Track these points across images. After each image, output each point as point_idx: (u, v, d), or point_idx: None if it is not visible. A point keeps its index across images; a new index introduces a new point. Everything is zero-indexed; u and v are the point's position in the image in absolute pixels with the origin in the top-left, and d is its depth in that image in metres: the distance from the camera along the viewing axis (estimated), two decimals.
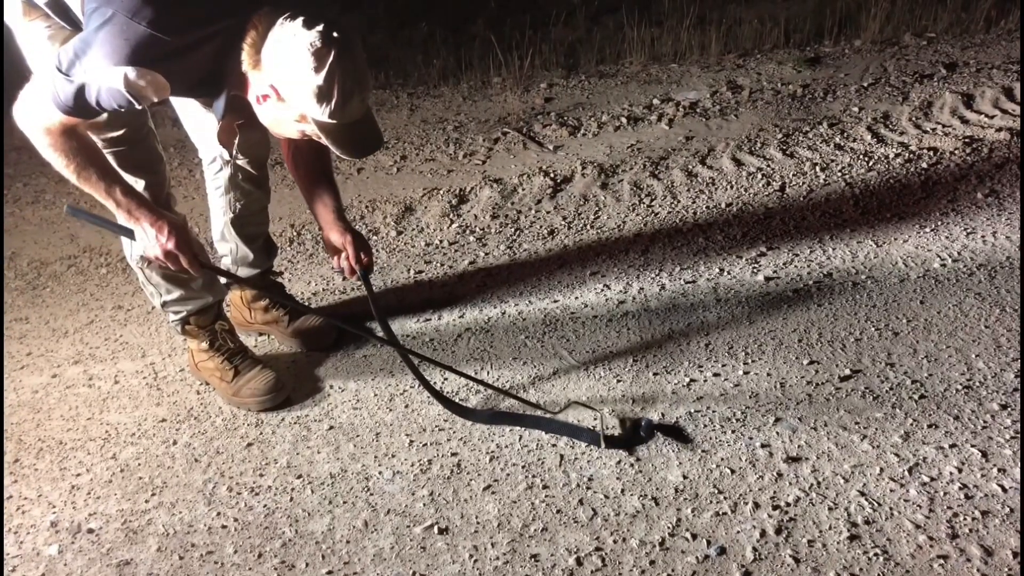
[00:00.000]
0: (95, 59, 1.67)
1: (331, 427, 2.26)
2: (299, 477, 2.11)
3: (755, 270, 2.71)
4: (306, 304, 2.70)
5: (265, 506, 2.03)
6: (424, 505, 1.99)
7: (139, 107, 1.74)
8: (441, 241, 3.09)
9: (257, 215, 2.45)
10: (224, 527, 1.99)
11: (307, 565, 1.87)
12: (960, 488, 1.88)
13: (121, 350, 2.66)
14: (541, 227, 3.09)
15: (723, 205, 3.09)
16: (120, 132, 1.98)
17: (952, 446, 1.99)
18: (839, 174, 3.21)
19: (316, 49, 1.67)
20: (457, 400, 2.28)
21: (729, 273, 2.71)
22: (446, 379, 2.38)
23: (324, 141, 1.78)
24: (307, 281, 2.92)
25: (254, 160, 2.34)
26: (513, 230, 3.10)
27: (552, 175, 3.39)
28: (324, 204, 2.17)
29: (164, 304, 2.27)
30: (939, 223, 2.85)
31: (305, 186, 2.19)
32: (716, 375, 2.29)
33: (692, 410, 2.18)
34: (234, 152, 2.26)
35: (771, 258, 2.76)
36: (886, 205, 3.00)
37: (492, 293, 2.75)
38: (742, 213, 3.03)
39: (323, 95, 1.69)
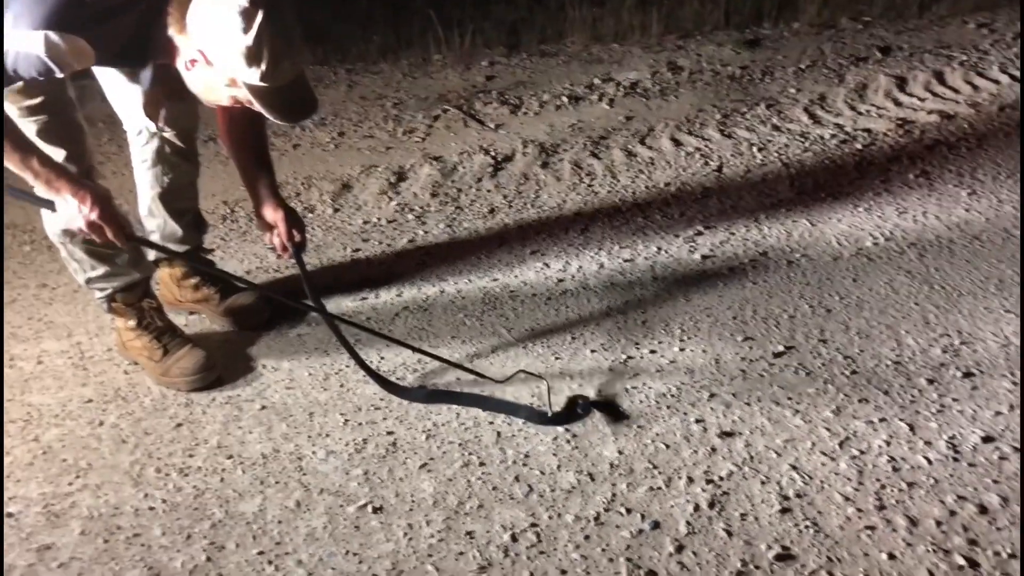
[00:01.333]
0: (12, 23, 1.59)
1: (263, 407, 2.22)
2: (230, 458, 2.06)
3: (692, 249, 2.73)
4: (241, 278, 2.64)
5: (195, 487, 1.99)
6: (358, 484, 1.97)
7: (60, 75, 1.67)
8: (379, 219, 3.05)
9: (186, 189, 2.38)
10: (152, 509, 1.94)
11: (237, 546, 1.83)
12: (888, 461, 1.92)
13: (45, 330, 2.57)
14: (481, 205, 3.07)
15: (662, 185, 3.10)
16: (38, 100, 1.90)
17: (881, 420, 2.03)
18: (776, 154, 3.25)
19: (244, 9, 1.62)
20: (394, 380, 2.26)
21: (667, 252, 2.72)
22: (383, 358, 2.35)
23: (256, 106, 1.73)
24: (240, 259, 2.85)
25: (182, 132, 2.27)
26: (453, 208, 3.08)
27: (493, 153, 3.37)
28: (258, 180, 2.12)
29: (89, 281, 2.19)
30: (872, 203, 2.91)
31: (239, 161, 2.14)
32: (652, 352, 2.31)
33: (628, 386, 2.19)
34: (160, 124, 2.19)
35: (708, 237, 2.79)
36: (821, 185, 3.04)
37: (431, 271, 2.73)
38: (680, 193, 3.05)
39: (253, 56, 1.64)
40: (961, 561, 1.67)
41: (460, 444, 2.05)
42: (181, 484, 2.00)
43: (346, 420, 2.15)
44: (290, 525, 1.88)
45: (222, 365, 2.32)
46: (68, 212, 1.87)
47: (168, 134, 2.24)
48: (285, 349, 2.42)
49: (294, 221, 2.14)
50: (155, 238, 2.40)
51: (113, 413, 2.23)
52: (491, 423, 2.11)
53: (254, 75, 1.67)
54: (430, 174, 3.27)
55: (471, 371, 2.22)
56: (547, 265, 2.70)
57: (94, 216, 1.86)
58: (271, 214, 2.12)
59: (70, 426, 2.19)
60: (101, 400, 2.27)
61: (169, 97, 2.08)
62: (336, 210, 3.13)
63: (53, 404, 2.26)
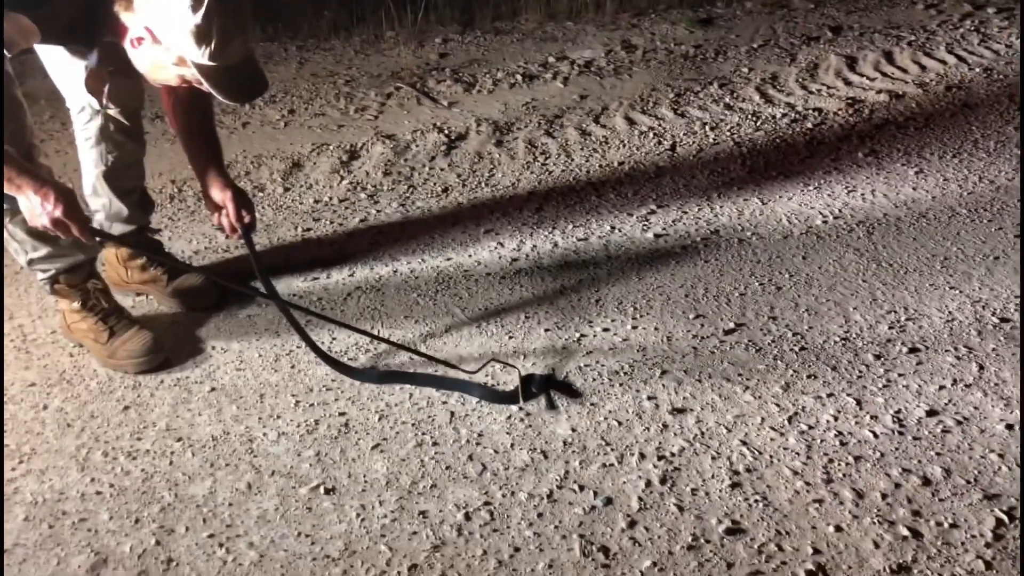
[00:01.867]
0: None
1: (213, 389, 2.19)
2: (179, 440, 2.03)
3: (645, 227, 2.74)
4: (187, 263, 2.59)
5: (143, 470, 1.96)
6: (310, 466, 1.95)
7: (7, 54, 1.62)
8: (331, 198, 3.02)
9: (131, 168, 2.32)
10: (99, 493, 1.90)
11: (187, 529, 1.81)
12: (836, 435, 1.96)
13: None
14: (435, 184, 3.05)
15: (616, 164, 3.11)
16: None
17: (829, 395, 2.07)
18: (728, 133, 3.28)
19: None
20: (346, 361, 2.24)
21: (620, 230, 2.73)
22: (334, 339, 2.33)
23: (205, 86, 1.70)
24: (188, 239, 2.80)
25: (126, 110, 2.21)
26: (406, 187, 3.05)
27: (446, 132, 3.34)
28: (205, 159, 2.08)
29: (31, 262, 2.14)
30: (822, 181, 2.95)
31: (185, 140, 2.10)
32: (605, 330, 2.32)
33: (582, 364, 2.20)
34: (104, 101, 2.13)
35: (661, 216, 2.80)
36: (772, 164, 3.08)
37: (384, 251, 2.71)
38: (634, 172, 3.06)
39: (202, 36, 1.61)
40: (905, 532, 1.71)
41: (413, 424, 2.05)
42: (129, 468, 1.97)
43: (297, 401, 2.13)
44: (241, 507, 1.86)
45: (170, 347, 2.28)
46: (31, 210, 1.81)
47: (112, 111, 2.19)
48: (235, 330, 2.39)
49: (243, 201, 2.11)
50: (100, 217, 2.34)
51: (58, 397, 2.18)
52: (444, 403, 2.10)
53: (203, 55, 1.64)
54: (383, 152, 3.24)
55: (440, 361, 2.20)
56: (501, 244, 2.70)
57: (58, 213, 1.80)
58: (219, 194, 2.09)
59: (12, 410, 2.13)
60: (45, 384, 2.22)
61: (113, 74, 2.02)
62: (287, 189, 3.08)
63: None
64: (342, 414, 2.09)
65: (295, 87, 3.76)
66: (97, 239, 1.99)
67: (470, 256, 2.65)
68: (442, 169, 3.13)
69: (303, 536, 1.78)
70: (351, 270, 2.62)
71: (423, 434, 2.02)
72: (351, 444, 2.00)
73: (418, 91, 3.68)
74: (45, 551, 1.77)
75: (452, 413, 2.07)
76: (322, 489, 1.89)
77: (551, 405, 2.08)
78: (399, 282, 2.56)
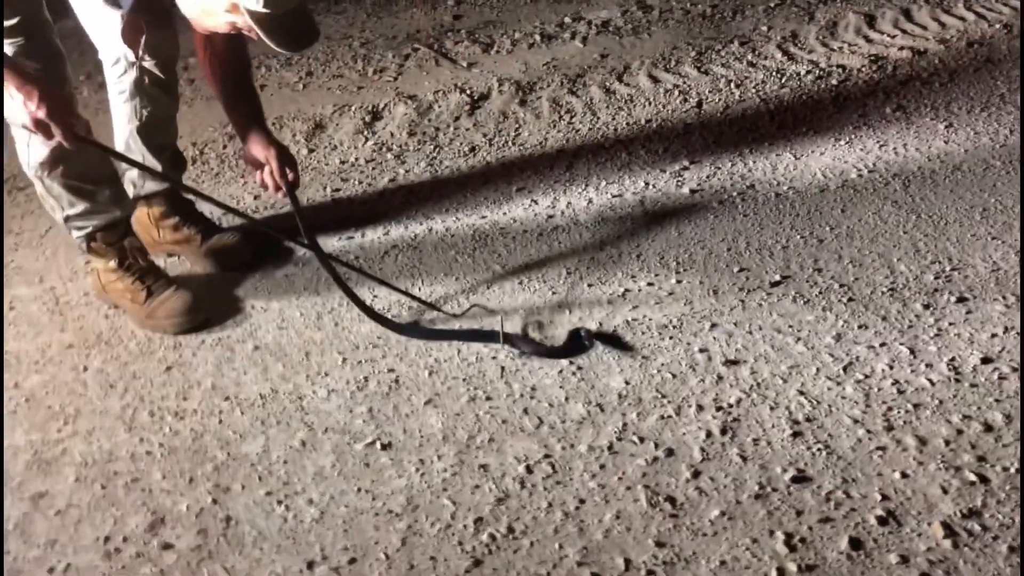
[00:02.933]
0: None
1: (256, 347, 2.13)
2: (226, 399, 1.98)
3: (679, 183, 2.69)
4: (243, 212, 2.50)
5: (192, 430, 1.91)
6: (364, 422, 1.91)
7: None
8: (357, 159, 2.95)
9: (165, 124, 2.25)
10: (149, 453, 1.86)
11: (243, 487, 1.76)
12: (892, 384, 1.92)
13: (15, 275, 2.43)
14: (461, 144, 2.99)
15: (643, 121, 3.05)
16: (14, 21, 1.76)
17: (882, 345, 2.03)
18: (753, 91, 3.22)
19: None
20: (390, 317, 2.19)
21: (654, 186, 2.68)
22: (376, 296, 2.27)
23: (257, 33, 1.63)
24: (221, 196, 2.72)
25: (162, 62, 2.14)
26: (432, 147, 2.98)
27: (468, 92, 3.27)
28: (244, 114, 2.01)
29: (67, 219, 2.07)
30: (852, 136, 2.90)
31: (223, 94, 2.03)
32: (650, 284, 2.27)
33: (629, 318, 2.16)
34: (140, 53, 2.05)
35: (694, 172, 2.75)
36: (801, 120, 3.02)
37: (416, 210, 2.65)
38: (662, 129, 3.00)
39: None
40: (972, 477, 1.69)
41: (464, 380, 2.00)
42: (177, 427, 1.92)
43: (344, 359, 2.08)
44: (297, 464, 1.81)
45: (209, 307, 2.23)
46: (13, 107, 1.74)
47: (148, 64, 2.11)
48: (273, 289, 2.33)
49: (286, 158, 2.04)
50: (132, 176, 2.27)
51: (97, 358, 2.12)
52: (494, 358, 2.06)
53: (257, 1, 1.57)
54: (405, 113, 3.17)
55: (424, 303, 2.18)
56: (535, 202, 2.64)
57: (41, 114, 1.72)
58: (261, 151, 2.02)
59: (52, 372, 2.08)
60: (83, 345, 2.16)
61: (150, 24, 1.94)
62: (311, 150, 3.01)
63: (32, 350, 2.15)
64: (391, 370, 2.04)
65: (310, 50, 3.67)
66: (83, 145, 1.89)
67: (505, 214, 2.59)
68: (467, 129, 3.07)
69: (363, 492, 1.74)
70: (385, 229, 2.56)
71: (475, 389, 1.97)
72: (403, 400, 1.96)
73: (436, 52, 3.60)
74: (100, 511, 1.73)
75: (503, 368, 2.03)
76: (378, 445, 1.84)
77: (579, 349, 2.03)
78: (435, 240, 2.50)
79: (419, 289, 2.30)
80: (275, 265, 2.40)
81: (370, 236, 2.52)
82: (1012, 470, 1.70)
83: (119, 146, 2.25)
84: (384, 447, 1.84)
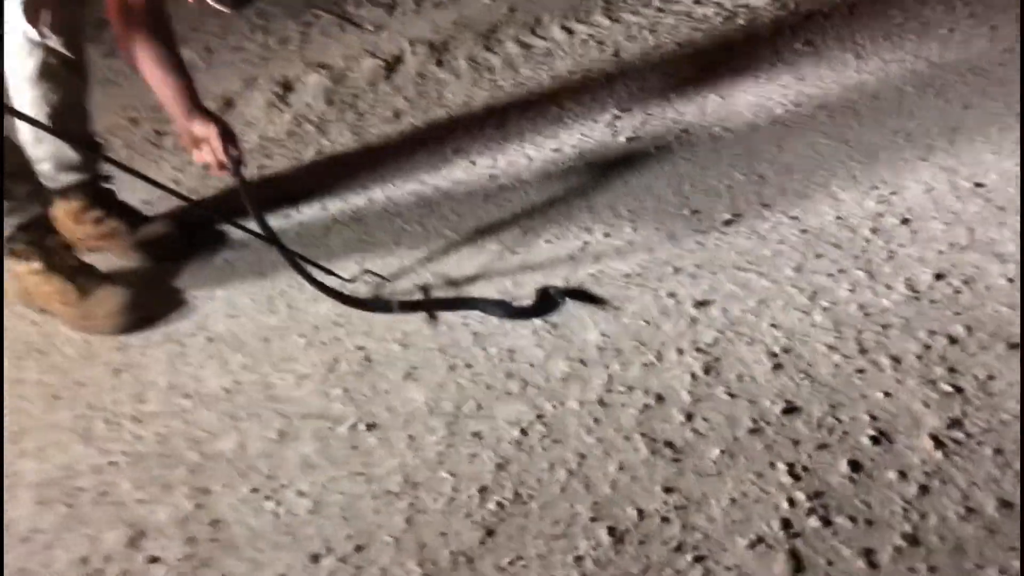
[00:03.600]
0: None
1: (210, 339, 2.00)
2: (187, 397, 1.85)
3: (614, 132, 2.67)
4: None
5: (156, 433, 1.78)
6: (342, 404, 1.82)
7: None
8: (276, 134, 2.79)
9: (78, 108, 2.06)
10: (113, 463, 1.72)
11: (225, 487, 1.66)
12: (858, 308, 1.96)
13: None
14: (384, 109, 2.87)
15: (565, 73, 3.01)
16: None
17: (840, 271, 2.07)
18: (667, 36, 3.22)
19: None
20: (348, 293, 2.09)
21: (590, 138, 2.65)
22: (328, 273, 2.16)
23: None
24: (141, 186, 2.52)
25: (70, 40, 1.94)
26: (354, 115, 2.86)
27: (381, 56, 3.15)
28: (175, 87, 1.86)
29: None
30: (770, 73, 2.94)
31: (149, 69, 1.86)
32: (607, 235, 2.25)
33: (593, 271, 2.13)
34: (44, 31, 1.86)
35: (626, 120, 2.73)
36: (719, 61, 3.04)
37: (351, 181, 2.53)
38: (585, 80, 2.97)
39: None
40: (948, 388, 1.74)
41: (439, 350, 1.93)
42: (139, 433, 1.78)
43: (307, 342, 1.97)
44: (278, 456, 1.71)
45: (149, 301, 2.07)
46: None
47: (53, 43, 1.91)
48: (215, 276, 2.19)
49: (227, 133, 1.90)
50: (46, 168, 2.07)
51: (32, 369, 1.95)
52: (465, 325, 1.99)
53: None
54: (319, 82, 3.02)
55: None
56: (473, 163, 2.57)
57: None
58: (200, 128, 1.87)
59: None
60: (13, 357, 1.98)
61: None
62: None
63: None
64: (360, 348, 1.95)
65: (203, 24, 3.44)
66: None
67: (445, 178, 2.51)
68: (387, 93, 2.95)
69: (356, 476, 1.66)
70: (322, 204, 2.44)
71: (452, 358, 1.91)
72: (379, 377, 1.87)
73: (339, 18, 3.44)
74: (71, 532, 1.59)
75: (475, 334, 1.97)
76: (362, 426, 1.76)
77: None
78: (378, 211, 2.40)
79: (371, 263, 2.20)
80: (212, 251, 2.25)
81: (308, 213, 2.40)
82: (983, 377, 1.77)
83: (25, 136, 2.04)
84: (369, 427, 1.76)
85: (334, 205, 2.42)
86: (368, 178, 2.53)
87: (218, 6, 1.59)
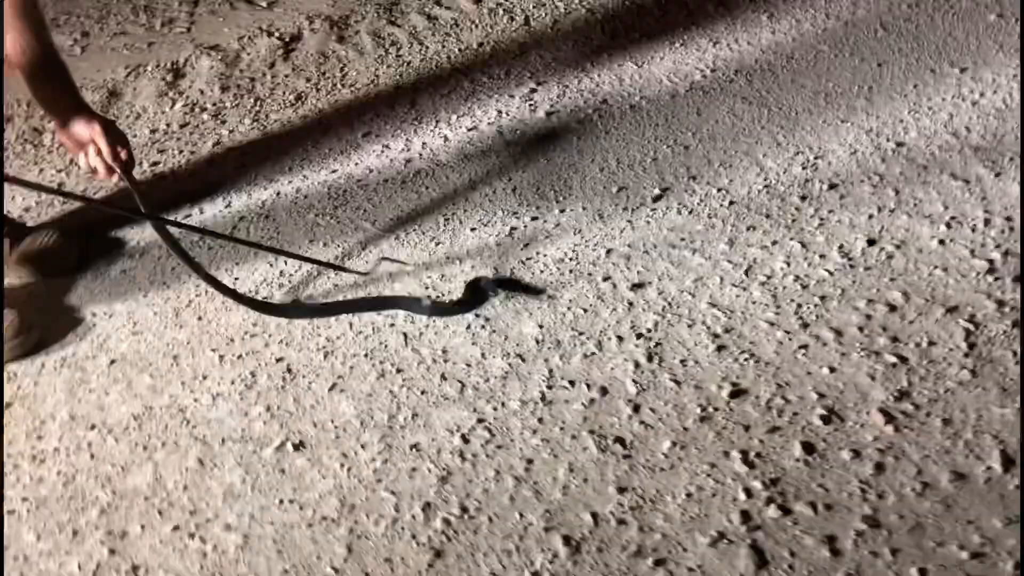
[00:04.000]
0: None
1: (112, 361, 1.82)
2: (92, 428, 1.68)
3: (532, 107, 2.55)
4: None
5: (60, 472, 1.61)
6: (264, 423, 1.68)
7: None
8: (169, 125, 2.57)
9: None
10: (12, 512, 1.54)
11: (143, 528, 1.51)
12: (795, 280, 1.92)
13: None
14: (284, 93, 2.68)
15: (475, 46, 2.86)
16: None
17: (774, 243, 2.02)
18: (578, 1, 3.11)
19: None
20: (260, 299, 1.93)
21: (508, 114, 2.52)
22: (237, 279, 2.00)
23: None
24: (10, 196, 2.29)
25: None
26: (252, 100, 2.66)
27: (277, 35, 2.94)
28: (55, 88, 1.66)
29: None
30: (685, 38, 2.86)
31: (24, 69, 1.66)
32: (534, 219, 2.14)
33: (523, 258, 2.02)
34: None
35: (543, 93, 2.61)
36: (631, 27, 2.95)
37: (254, 173, 2.35)
38: (496, 52, 2.83)
39: None
40: (892, 359, 1.71)
41: (366, 355, 1.80)
42: (40, 474, 1.61)
43: (221, 356, 1.82)
44: (200, 488, 1.57)
45: (41, 323, 1.87)
46: None
47: None
48: (112, 290, 2.00)
49: (115, 135, 1.71)
50: None
51: None
52: (392, 326, 1.87)
53: None
54: (212, 66, 2.80)
55: (334, 267, 1.97)
56: (387, 147, 2.41)
57: None
58: (83, 128, 1.68)
59: None
60: None
61: None
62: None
63: None
64: (279, 359, 1.80)
65: (77, 6, 3.16)
66: None
67: (357, 164, 2.35)
68: (286, 75, 2.76)
69: (287, 503, 1.53)
70: (226, 200, 2.25)
71: (381, 363, 1.78)
72: (303, 390, 1.74)
73: None
74: None
75: (405, 335, 1.84)
76: (289, 446, 1.63)
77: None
78: (287, 204, 2.23)
79: (283, 262, 2.04)
80: (107, 261, 2.05)
81: (210, 211, 2.21)
82: (924, 344, 1.74)
83: None
84: (296, 447, 1.62)
85: (239, 201, 2.24)
86: (273, 169, 2.35)
87: None
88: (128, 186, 1.80)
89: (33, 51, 1.70)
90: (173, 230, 1.88)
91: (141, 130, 2.56)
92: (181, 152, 2.45)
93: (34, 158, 2.46)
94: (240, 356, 1.81)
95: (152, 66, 2.80)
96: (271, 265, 2.03)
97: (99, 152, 1.71)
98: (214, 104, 2.65)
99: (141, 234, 2.11)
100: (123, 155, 1.74)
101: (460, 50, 2.85)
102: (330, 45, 2.89)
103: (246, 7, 3.14)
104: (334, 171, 2.33)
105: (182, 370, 1.78)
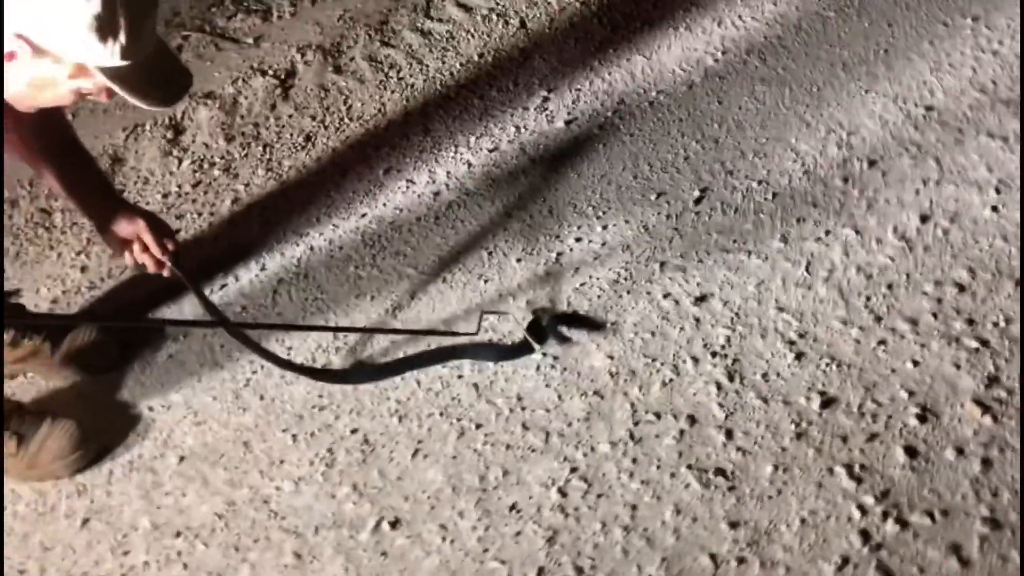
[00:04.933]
0: None
1: (182, 458, 1.75)
2: (178, 535, 1.61)
3: (550, 118, 2.46)
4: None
5: None
6: (354, 504, 1.61)
7: None
8: (180, 186, 2.47)
9: None
10: None
11: None
12: (857, 271, 1.86)
13: None
14: (292, 135, 2.57)
15: (476, 57, 2.76)
16: None
17: (827, 233, 1.96)
18: None
19: None
20: (320, 367, 1.86)
21: (526, 128, 2.43)
22: (290, 349, 1.92)
23: (120, 93, 1.23)
24: (34, 288, 2.19)
25: None
26: (261, 148, 2.55)
27: (271, 72, 2.82)
28: (89, 188, 1.58)
29: None
30: (688, 21, 2.76)
31: (55, 171, 1.57)
32: (578, 240, 2.06)
33: (576, 285, 1.95)
34: None
35: (557, 100, 2.52)
36: (629, 15, 2.84)
37: (283, 229, 2.25)
38: (499, 60, 2.73)
39: (105, 26, 1.14)
40: (974, 344, 1.67)
41: (441, 413, 1.74)
42: None
43: (294, 436, 1.75)
44: None
45: (99, 428, 1.79)
46: None
47: None
48: (164, 379, 1.91)
49: (159, 226, 1.63)
50: None
51: None
52: (460, 377, 1.80)
53: (111, 53, 1.16)
54: (212, 116, 2.68)
55: (440, 333, 1.87)
56: (411, 182, 2.32)
57: None
58: (126, 226, 1.59)
59: None
60: None
61: None
62: (120, 192, 2.49)
63: None
64: (354, 431, 1.73)
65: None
66: None
67: (385, 204, 2.26)
68: (290, 116, 2.65)
69: None
70: (259, 263, 2.16)
71: (459, 420, 1.72)
72: (385, 461, 1.67)
73: (211, 35, 3.07)
74: None
75: (475, 385, 1.78)
76: (385, 525, 1.57)
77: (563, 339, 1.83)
78: (323, 259, 2.14)
79: (333, 324, 1.96)
80: (152, 349, 1.96)
81: (246, 277, 2.12)
82: (1002, 323, 1.70)
83: None
84: (393, 525, 1.56)
85: (273, 262, 2.15)
86: (300, 222, 2.26)
87: (150, 107, 1.31)
88: (181, 279, 1.71)
89: (65, 154, 1.61)
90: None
91: (153, 196, 2.45)
92: (200, 215, 2.35)
93: (48, 242, 2.35)
94: (313, 433, 1.74)
95: (150, 124, 2.68)
96: (322, 325, 1.96)
97: (145, 249, 1.62)
98: (222, 157, 2.54)
99: (180, 314, 2.02)
100: (171, 247, 1.66)
101: (461, 64, 2.74)
102: (327, 76, 2.78)
103: (232, 46, 3.01)
104: (363, 215, 2.24)
105: (256, 457, 1.71)
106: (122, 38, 1.18)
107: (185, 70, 1.39)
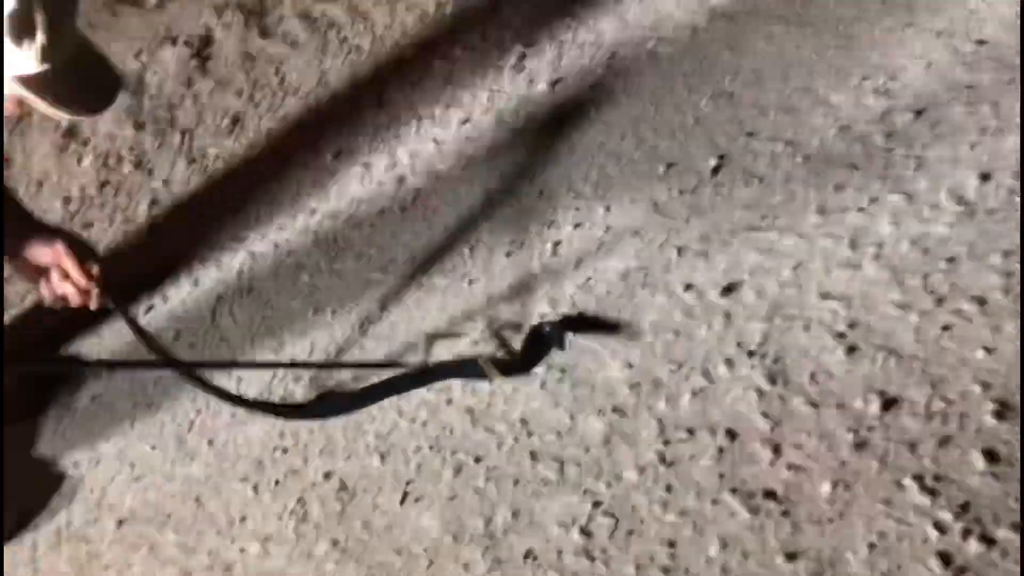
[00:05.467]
0: None
1: (121, 522, 1.77)
2: None
3: (529, 79, 2.50)
4: None
5: None
6: (336, 563, 1.64)
7: None
8: (84, 189, 2.48)
9: None
10: None
11: None
12: (911, 245, 1.91)
13: None
14: (215, 117, 2.59)
15: (431, 10, 2.78)
16: None
17: (872, 201, 2.01)
18: None
19: None
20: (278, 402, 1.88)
21: (502, 93, 2.47)
22: (240, 380, 1.94)
23: (38, 106, 1.27)
24: None
25: None
26: (178, 135, 2.57)
27: (183, 40, 2.82)
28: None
29: None
30: None
31: None
32: (578, 225, 2.11)
33: (580, 281, 2.00)
34: None
35: (536, 58, 2.56)
36: None
37: (216, 234, 2.28)
38: (464, 13, 2.76)
39: (20, 27, 1.17)
40: None
41: (431, 447, 1.77)
42: None
43: (255, 486, 1.77)
44: None
45: (19, 496, 1.80)
46: None
47: None
48: (89, 426, 1.93)
49: (82, 249, 1.63)
50: None
51: None
52: (449, 402, 1.83)
53: (30, 57, 1.19)
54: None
55: (418, 372, 1.89)
56: (367, 165, 2.35)
57: None
58: (42, 252, 1.60)
59: None
60: None
61: None
62: (22, 206, 2.50)
63: None
64: (327, 476, 1.77)
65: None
66: None
67: (339, 196, 2.29)
68: (210, 93, 2.66)
69: None
70: (191, 277, 2.18)
71: (453, 454, 1.76)
72: (369, 510, 1.71)
73: None
74: None
75: (470, 410, 1.81)
76: None
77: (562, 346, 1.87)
78: (269, 268, 2.17)
79: (290, 348, 1.99)
80: (71, 392, 1.98)
81: (177, 296, 2.15)
82: None
83: None
84: None
85: (208, 276, 2.18)
86: (237, 224, 2.28)
87: (76, 116, 1.36)
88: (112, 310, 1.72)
89: None
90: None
91: (50, 203, 2.46)
92: (112, 222, 2.37)
93: None
94: (278, 482, 1.77)
95: (38, 115, 2.68)
96: (275, 353, 1.98)
97: (66, 277, 1.62)
98: (131, 149, 2.55)
99: (99, 344, 2.03)
100: (95, 271, 1.66)
101: (418, 17, 2.76)
102: (252, 42, 2.79)
103: (132, 11, 3.01)
104: (313, 211, 2.27)
105: (212, 515, 1.74)
106: (40, 38, 1.21)
107: (113, 74, 1.42)
